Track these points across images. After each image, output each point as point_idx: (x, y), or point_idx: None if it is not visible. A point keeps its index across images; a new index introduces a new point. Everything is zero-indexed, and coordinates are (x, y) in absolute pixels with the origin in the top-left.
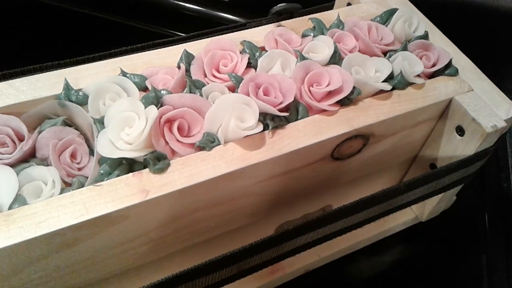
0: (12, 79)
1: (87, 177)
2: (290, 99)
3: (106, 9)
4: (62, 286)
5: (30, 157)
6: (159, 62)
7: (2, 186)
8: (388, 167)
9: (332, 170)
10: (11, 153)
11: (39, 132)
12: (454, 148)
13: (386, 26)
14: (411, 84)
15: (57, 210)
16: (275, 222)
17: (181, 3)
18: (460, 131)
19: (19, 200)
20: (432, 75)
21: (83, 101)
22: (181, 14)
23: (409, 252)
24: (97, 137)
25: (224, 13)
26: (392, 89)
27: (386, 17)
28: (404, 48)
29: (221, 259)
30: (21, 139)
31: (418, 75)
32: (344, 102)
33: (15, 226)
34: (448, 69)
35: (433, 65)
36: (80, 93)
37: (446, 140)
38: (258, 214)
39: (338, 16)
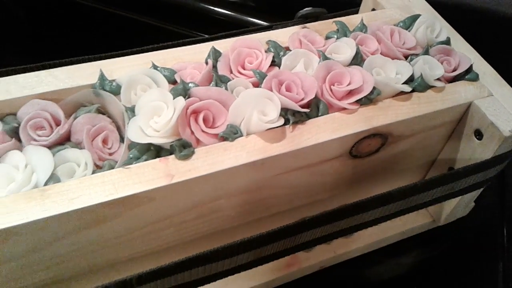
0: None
1: (117, 162)
2: (311, 96)
3: (143, 12)
4: (88, 263)
5: (65, 140)
6: (188, 58)
7: (38, 165)
8: (406, 170)
9: (351, 168)
10: (48, 136)
11: (75, 118)
12: (472, 152)
13: (409, 31)
14: (431, 87)
15: (89, 188)
16: (293, 218)
17: (210, 7)
18: (479, 135)
19: (53, 179)
20: (452, 80)
21: (116, 91)
22: (210, 18)
23: (425, 256)
24: (127, 124)
25: (252, 17)
26: (412, 91)
27: (409, 22)
28: (426, 53)
29: (240, 244)
30: (57, 123)
31: (438, 79)
32: (364, 102)
33: (49, 200)
34: (469, 74)
35: (454, 70)
36: (114, 83)
37: (464, 144)
38: (277, 207)
39: (362, 20)
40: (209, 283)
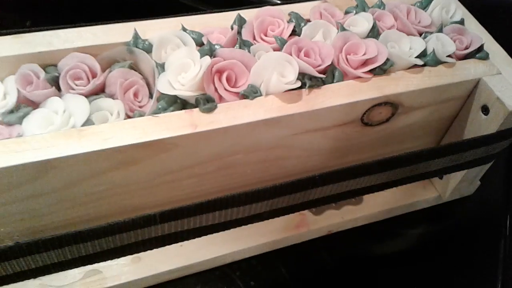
0: None
1: (145, 113)
2: (327, 63)
3: None
4: (117, 205)
5: (100, 92)
6: (215, 24)
7: (76, 110)
8: (415, 144)
9: (362, 135)
10: (85, 86)
11: (109, 72)
12: (478, 127)
13: (425, 11)
14: (442, 63)
15: (121, 131)
16: None
17: None
18: (485, 110)
19: (88, 124)
20: (463, 57)
21: (148, 49)
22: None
23: (428, 231)
24: (158, 78)
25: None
26: (424, 65)
27: (426, 3)
28: (439, 31)
29: (255, 192)
30: (94, 75)
31: (450, 56)
32: (378, 72)
33: (85, 139)
34: (479, 53)
35: (466, 48)
36: (146, 42)
37: (471, 120)
38: (291, 169)
39: None
40: (224, 230)
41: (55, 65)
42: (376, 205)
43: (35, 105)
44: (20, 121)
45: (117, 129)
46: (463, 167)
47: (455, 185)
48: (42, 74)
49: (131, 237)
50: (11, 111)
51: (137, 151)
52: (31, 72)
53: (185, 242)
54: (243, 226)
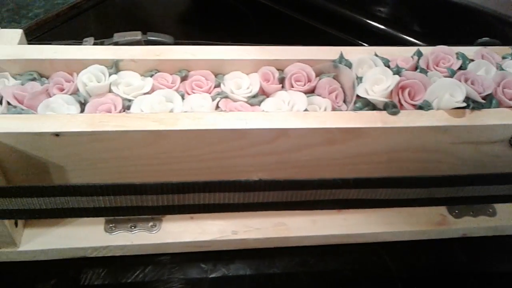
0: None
1: None
2: (488, 92)
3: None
4: (309, 175)
5: (311, 92)
6: (397, 54)
7: (297, 102)
8: None
9: (507, 156)
10: (302, 86)
11: (319, 79)
12: None
13: None
14: None
15: (332, 118)
16: None
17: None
18: None
19: None
20: None
21: (349, 66)
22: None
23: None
24: (357, 86)
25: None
26: None
27: None
28: None
29: (379, 179)
30: (309, 80)
31: None
32: None
33: (308, 119)
34: None
35: None
36: (348, 61)
37: None
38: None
39: None
40: (365, 207)
41: (282, 70)
42: (509, 219)
43: (267, 95)
44: (259, 103)
45: (329, 115)
46: None
47: None
48: (276, 74)
49: (312, 195)
50: (254, 96)
51: (340, 134)
52: (270, 72)
53: (348, 217)
54: (394, 215)
